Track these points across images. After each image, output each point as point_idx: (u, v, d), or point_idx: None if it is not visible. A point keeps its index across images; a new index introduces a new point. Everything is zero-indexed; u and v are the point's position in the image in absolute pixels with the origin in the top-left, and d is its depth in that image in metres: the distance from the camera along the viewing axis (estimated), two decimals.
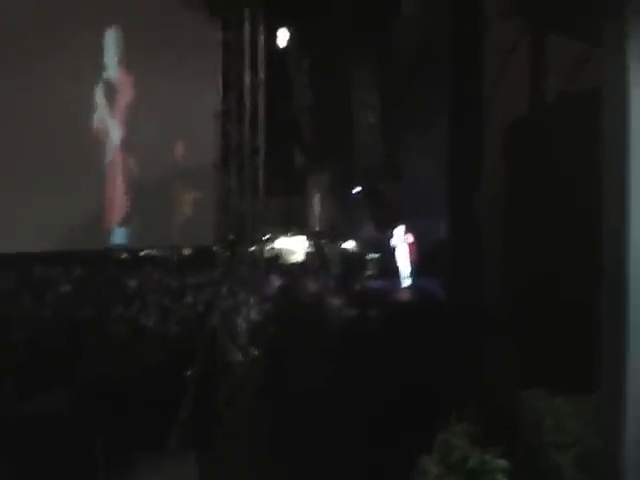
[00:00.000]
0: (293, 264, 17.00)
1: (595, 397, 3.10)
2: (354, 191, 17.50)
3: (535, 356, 5.31)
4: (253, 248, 7.82)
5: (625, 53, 2.39)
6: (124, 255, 9.03)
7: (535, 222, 6.42)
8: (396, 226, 13.53)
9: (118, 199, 8.30)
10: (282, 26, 10.81)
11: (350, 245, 18.06)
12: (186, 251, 9.72)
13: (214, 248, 7.72)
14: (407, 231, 13.22)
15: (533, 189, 6.61)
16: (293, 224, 19.79)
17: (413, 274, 12.39)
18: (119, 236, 8.36)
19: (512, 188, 7.16)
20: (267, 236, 17.81)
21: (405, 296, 10.38)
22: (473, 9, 7.58)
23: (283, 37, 11.07)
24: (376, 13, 11.47)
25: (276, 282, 11.44)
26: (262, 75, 7.30)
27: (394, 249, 13.37)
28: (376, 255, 14.77)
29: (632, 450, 2.45)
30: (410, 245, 12.98)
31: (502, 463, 3.46)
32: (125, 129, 8.50)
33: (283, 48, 11.43)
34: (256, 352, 7.12)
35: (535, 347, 5.47)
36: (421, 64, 11.63)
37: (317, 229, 19.72)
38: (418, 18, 11.14)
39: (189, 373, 6.75)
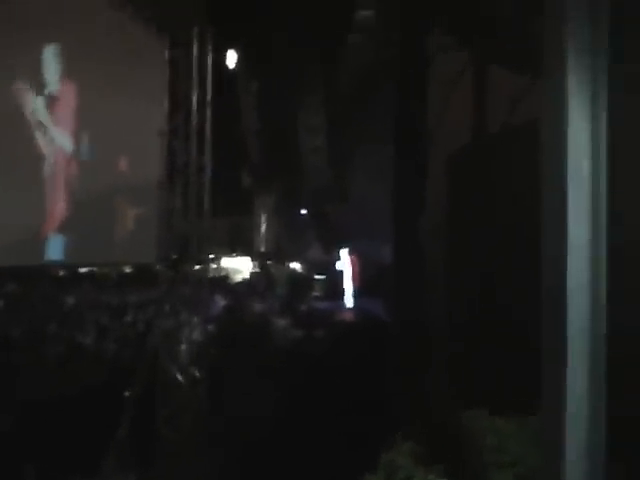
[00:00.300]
0: (238, 284, 16.87)
1: (536, 417, 3.17)
2: (301, 213, 17.57)
3: (478, 377, 5.39)
4: (197, 267, 7.71)
5: (564, 86, 2.47)
6: (62, 271, 8.77)
7: (478, 247, 6.57)
8: (342, 248, 13.63)
9: (57, 213, 8.07)
10: (231, 47, 10.83)
11: (296, 266, 18.08)
12: (128, 269, 9.52)
13: (157, 266, 7.59)
14: (352, 253, 13.33)
15: (475, 215, 6.77)
16: (239, 244, 19.70)
17: (358, 295, 12.48)
18: (57, 251, 8.10)
19: (455, 214, 7.32)
20: (212, 256, 17.64)
21: (349, 317, 10.44)
22: (419, 41, 7.78)
23: (232, 58, 11.07)
24: (325, 39, 11.63)
25: (220, 302, 11.33)
26: (210, 95, 7.27)
27: (339, 271, 13.46)
28: (322, 276, 14.82)
29: (572, 471, 2.50)
30: (354, 267, 13.09)
31: None
32: (66, 143, 8.31)
33: (232, 69, 11.43)
34: (197, 373, 6.99)
35: (478, 368, 5.56)
36: (368, 91, 11.85)
37: (263, 250, 19.67)
38: (366, 46, 11.36)
39: (128, 394, 6.57)
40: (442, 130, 7.75)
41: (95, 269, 9.14)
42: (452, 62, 7.81)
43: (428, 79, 7.71)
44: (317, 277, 15.04)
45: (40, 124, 8.25)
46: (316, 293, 14.16)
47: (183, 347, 7.26)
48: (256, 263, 18.83)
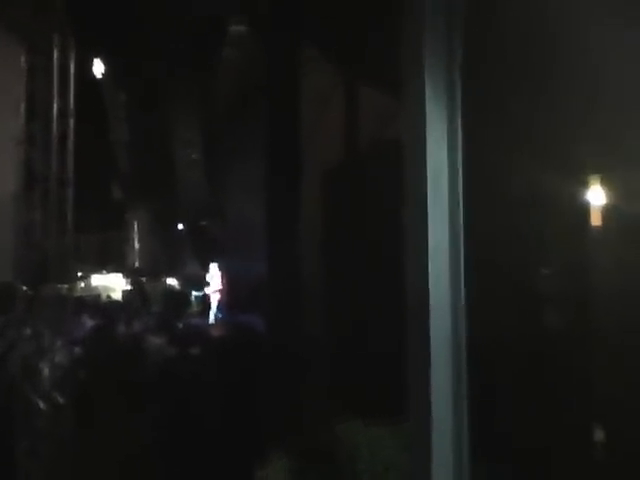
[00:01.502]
0: (110, 302, 16.16)
1: (407, 424, 3.22)
2: (176, 228, 17.19)
3: (353, 387, 5.44)
4: (62, 286, 7.27)
5: (423, 107, 2.54)
6: None
7: (352, 263, 6.66)
8: (218, 263, 13.46)
9: None
10: (97, 56, 10.39)
11: (172, 282, 17.59)
12: None
13: (14, 285, 7.05)
14: (229, 268, 13.18)
15: (350, 233, 6.87)
16: (111, 261, 18.87)
17: (234, 311, 12.32)
18: None
19: (331, 231, 7.41)
20: (80, 273, 16.79)
21: (225, 334, 10.26)
22: (289, 56, 7.83)
23: (99, 68, 10.63)
24: (197, 52, 11.49)
25: (89, 322, 10.74)
26: (72, 105, 6.90)
27: (214, 287, 13.28)
28: (197, 293, 14.54)
29: (440, 474, 2.55)
30: (229, 282, 12.95)
31: None
32: None
33: (99, 79, 10.97)
34: (61, 400, 6.55)
35: (353, 379, 5.61)
36: (244, 106, 11.80)
37: (137, 266, 18.98)
38: (240, 60, 11.33)
39: None
40: (316, 145, 7.83)
41: None
42: (326, 78, 7.92)
43: (301, 95, 7.77)
44: (192, 294, 14.73)
45: None
46: (191, 310, 13.84)
47: (46, 373, 6.78)
48: (129, 280, 18.15)
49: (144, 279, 17.88)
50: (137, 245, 19.15)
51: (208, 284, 13.76)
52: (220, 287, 13.00)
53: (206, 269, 14.54)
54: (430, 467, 2.55)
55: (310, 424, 4.73)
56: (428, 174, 2.51)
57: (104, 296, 17.40)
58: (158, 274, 17.72)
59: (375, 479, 3.60)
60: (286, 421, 4.98)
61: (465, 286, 2.44)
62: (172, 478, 5.52)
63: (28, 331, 6.86)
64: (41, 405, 6.40)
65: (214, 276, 13.39)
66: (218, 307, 12.80)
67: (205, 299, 13.74)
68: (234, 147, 13.05)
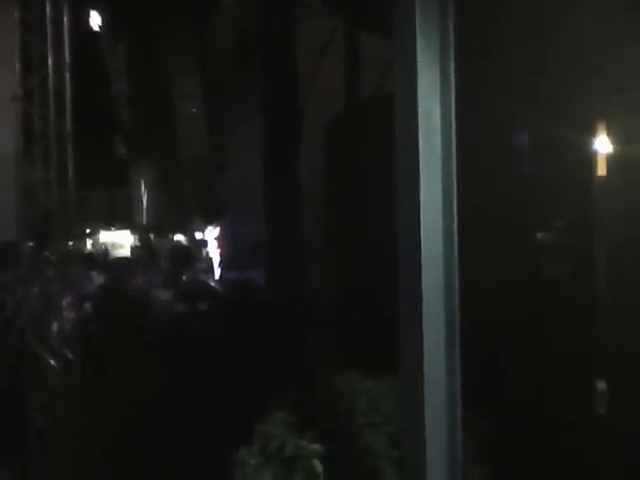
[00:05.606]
0: (117, 259, 16.31)
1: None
2: (181, 183, 17.14)
3: (352, 341, 5.46)
4: (69, 243, 7.26)
5: (415, 56, 2.44)
6: None
7: (353, 217, 6.60)
8: (221, 219, 13.46)
9: None
10: (92, 8, 10.17)
11: (179, 237, 17.66)
12: None
13: (21, 244, 7.04)
14: (231, 223, 13.18)
15: (350, 184, 6.78)
16: (118, 218, 18.91)
17: (236, 266, 12.36)
18: None
19: (331, 183, 7.32)
20: (88, 230, 16.88)
21: (229, 289, 10.33)
22: (288, 7, 7.63)
23: (94, 19, 10.41)
24: (195, 3, 11.24)
25: (96, 279, 10.85)
26: (68, 58, 6.76)
27: (216, 242, 13.31)
28: (202, 248, 14.63)
29: (431, 425, 2.54)
30: (228, 238, 12.95)
31: (316, 448, 3.48)
32: None
33: (95, 31, 10.76)
34: (71, 356, 6.63)
35: (352, 333, 5.62)
36: (240, 59, 11.58)
37: (144, 222, 19.03)
38: (236, 12, 11.06)
39: None
40: (316, 96, 7.68)
41: None
42: (324, 28, 7.73)
43: (299, 45, 7.60)
44: (197, 248, 14.83)
45: None
46: (200, 264, 13.95)
47: (55, 329, 6.85)
48: (137, 236, 18.24)
49: (151, 235, 17.98)
50: (144, 202, 19.13)
51: (207, 238, 13.81)
52: (220, 241, 13.01)
53: (211, 224, 14.56)
54: (424, 419, 2.55)
55: (309, 376, 4.76)
56: (419, 122, 2.40)
57: (112, 252, 17.53)
58: (165, 230, 17.78)
59: (374, 431, 3.63)
60: (286, 373, 5.02)
61: (458, 237, 2.36)
62: (179, 431, 5.61)
63: (34, 288, 6.89)
64: (51, 361, 6.48)
65: (213, 230, 13.41)
66: (220, 262, 12.85)
67: (209, 255, 13.82)
68: (235, 101, 12.85)
